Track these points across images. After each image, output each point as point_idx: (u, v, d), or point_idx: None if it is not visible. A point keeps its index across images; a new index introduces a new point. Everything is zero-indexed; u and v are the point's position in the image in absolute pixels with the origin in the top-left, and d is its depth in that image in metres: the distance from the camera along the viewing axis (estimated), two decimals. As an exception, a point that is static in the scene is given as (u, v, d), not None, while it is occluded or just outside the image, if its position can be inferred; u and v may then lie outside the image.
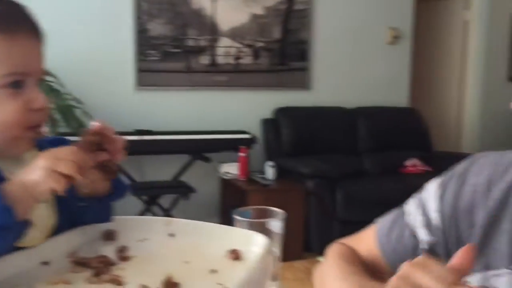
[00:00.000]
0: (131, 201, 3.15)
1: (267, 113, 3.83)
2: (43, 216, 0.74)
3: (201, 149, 3.44)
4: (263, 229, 0.89)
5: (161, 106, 3.64)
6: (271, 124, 3.78)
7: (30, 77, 0.74)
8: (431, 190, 0.76)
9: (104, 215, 0.85)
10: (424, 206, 0.76)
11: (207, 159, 3.44)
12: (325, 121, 3.83)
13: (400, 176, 3.66)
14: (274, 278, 0.88)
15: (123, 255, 0.76)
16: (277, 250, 0.87)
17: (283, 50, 3.89)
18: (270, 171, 3.42)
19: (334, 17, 3.96)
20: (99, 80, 3.44)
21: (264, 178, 3.40)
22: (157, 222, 0.87)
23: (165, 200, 3.34)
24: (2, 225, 0.61)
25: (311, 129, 3.77)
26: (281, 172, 3.45)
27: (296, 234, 3.15)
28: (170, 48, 3.63)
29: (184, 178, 3.46)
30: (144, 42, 3.54)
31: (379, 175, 3.72)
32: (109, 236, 0.83)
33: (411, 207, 0.79)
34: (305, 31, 3.91)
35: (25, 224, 0.65)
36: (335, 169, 3.40)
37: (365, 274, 0.73)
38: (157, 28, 3.57)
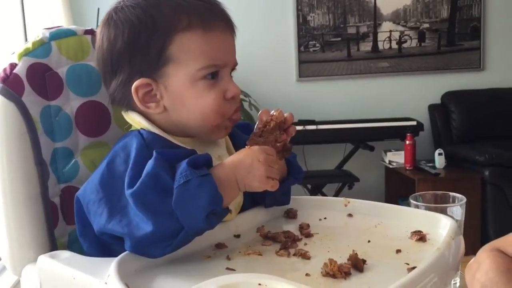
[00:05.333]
0: (296, 189, 3.22)
1: (435, 98, 3.61)
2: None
3: (365, 137, 3.38)
4: (442, 216, 0.83)
5: (323, 96, 3.65)
6: (439, 110, 3.56)
7: (224, 68, 0.78)
8: None
9: (282, 199, 0.87)
10: None
11: (371, 148, 3.37)
12: (501, 105, 3.47)
13: None
14: (456, 268, 0.82)
15: (305, 232, 0.78)
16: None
17: (452, 29, 3.63)
18: (439, 159, 3.22)
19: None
20: (264, 74, 3.59)
21: (432, 167, 3.21)
22: (335, 202, 0.88)
23: (329, 189, 3.35)
24: (212, 211, 0.66)
25: (485, 113, 3.45)
26: (451, 161, 3.23)
27: (473, 228, 2.92)
28: (330, 37, 3.63)
29: (347, 167, 3.44)
30: (305, 33, 3.60)
31: None
32: (290, 214, 0.87)
33: None
34: (476, 7, 3.59)
35: (227, 211, 0.71)
36: (515, 156, 3.07)
37: None
38: (317, 18, 3.61)
